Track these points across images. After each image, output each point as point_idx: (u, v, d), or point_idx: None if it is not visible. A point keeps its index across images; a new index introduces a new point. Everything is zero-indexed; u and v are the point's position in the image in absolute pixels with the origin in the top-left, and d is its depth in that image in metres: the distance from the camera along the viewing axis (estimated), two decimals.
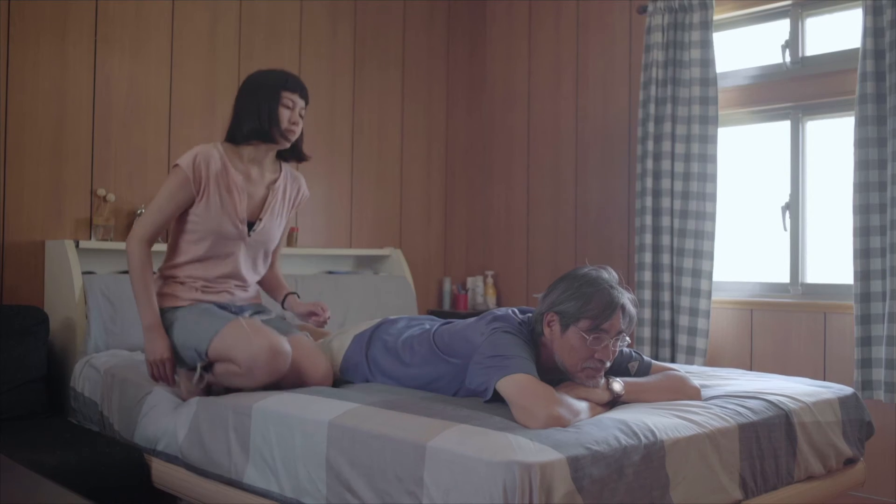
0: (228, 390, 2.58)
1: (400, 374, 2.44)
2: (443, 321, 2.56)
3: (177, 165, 2.62)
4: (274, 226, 2.77)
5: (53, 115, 3.47)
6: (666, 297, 3.98)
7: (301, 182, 2.89)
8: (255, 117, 2.64)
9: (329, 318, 2.74)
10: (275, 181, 2.77)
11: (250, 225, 2.70)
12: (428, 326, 2.51)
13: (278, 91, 2.65)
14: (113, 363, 3.05)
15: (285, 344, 2.46)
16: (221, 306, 2.67)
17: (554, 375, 2.20)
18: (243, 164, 2.70)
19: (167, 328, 2.61)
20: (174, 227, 2.71)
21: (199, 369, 2.54)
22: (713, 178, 3.88)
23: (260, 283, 2.88)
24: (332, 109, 4.38)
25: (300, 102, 2.69)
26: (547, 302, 2.23)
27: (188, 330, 2.56)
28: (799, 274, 3.81)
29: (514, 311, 2.33)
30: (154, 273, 2.71)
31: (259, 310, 2.78)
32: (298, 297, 2.86)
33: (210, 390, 2.64)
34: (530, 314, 2.32)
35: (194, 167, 2.59)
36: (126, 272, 3.53)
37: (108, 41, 3.61)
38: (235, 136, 2.70)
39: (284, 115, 2.65)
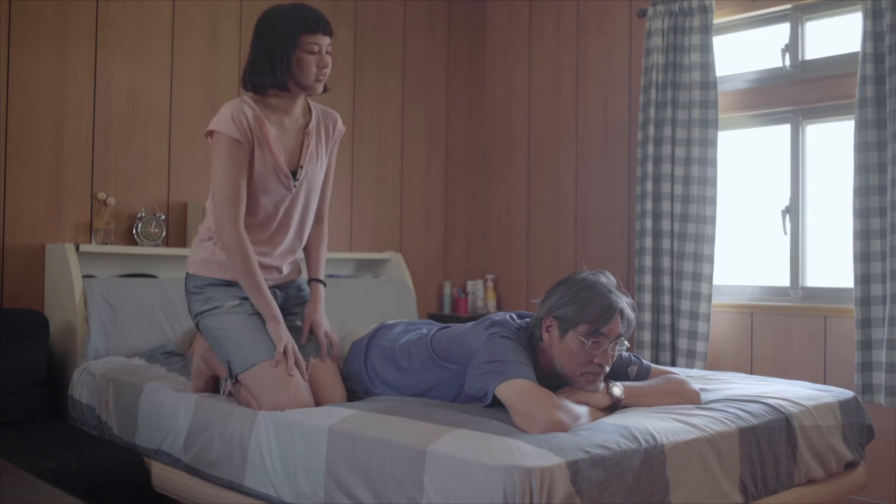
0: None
1: (399, 383, 2.43)
2: (440, 326, 2.56)
3: (215, 132, 2.41)
4: (316, 169, 2.60)
5: (54, 119, 3.47)
6: (666, 300, 3.98)
7: (335, 117, 2.68)
8: (269, 70, 2.41)
9: (331, 355, 2.57)
10: (307, 124, 2.58)
11: (293, 175, 2.52)
12: (426, 331, 2.50)
13: (297, 36, 2.40)
14: (108, 368, 3.05)
15: (310, 397, 2.38)
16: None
17: (553, 381, 2.19)
18: (274, 114, 2.50)
19: (208, 312, 2.49)
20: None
21: (226, 382, 2.51)
22: (713, 182, 3.88)
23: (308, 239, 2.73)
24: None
25: (325, 41, 2.44)
26: (545, 307, 2.23)
27: (230, 339, 2.45)
28: (799, 277, 3.81)
29: (511, 316, 2.33)
30: (202, 241, 2.56)
31: (301, 297, 2.70)
32: (324, 286, 2.69)
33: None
34: (528, 319, 2.32)
35: (236, 124, 2.38)
36: (127, 276, 3.55)
37: (109, 45, 3.62)
38: (254, 87, 2.48)
39: (310, 61, 2.41)
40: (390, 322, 2.66)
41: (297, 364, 2.41)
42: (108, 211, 3.54)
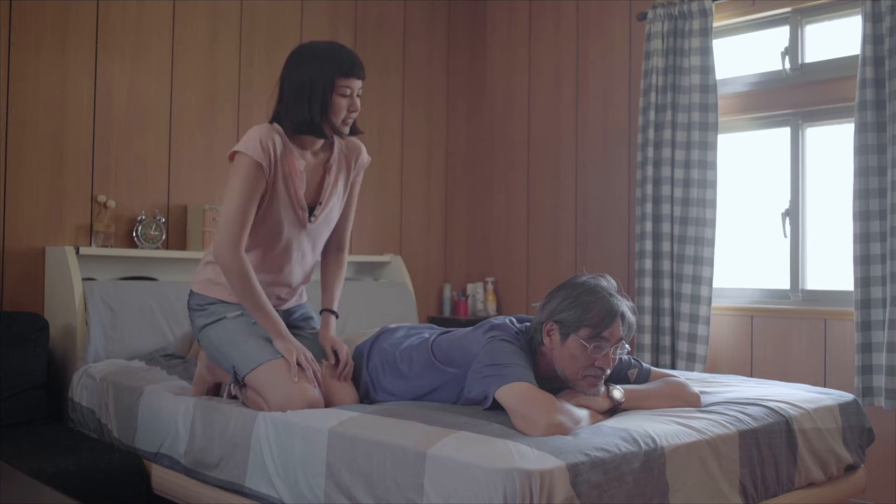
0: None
1: (400, 390, 2.41)
2: (442, 330, 2.56)
3: (240, 153, 2.38)
4: (335, 207, 2.59)
5: (54, 122, 3.47)
6: (666, 303, 3.98)
7: (359, 149, 2.64)
8: (307, 111, 2.38)
9: (345, 373, 2.50)
10: (328, 158, 2.55)
11: (310, 210, 2.52)
12: (427, 335, 2.50)
13: (332, 79, 2.37)
14: (108, 370, 3.05)
15: (320, 396, 2.36)
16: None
17: (553, 385, 2.19)
18: (298, 148, 2.48)
19: (211, 324, 2.48)
20: None
21: (229, 387, 2.50)
22: (713, 185, 3.88)
23: (322, 269, 2.72)
24: None
25: (358, 84, 2.42)
26: (546, 311, 2.22)
27: (234, 344, 2.44)
28: (799, 280, 3.81)
29: (511, 320, 2.32)
30: (207, 263, 2.55)
31: (303, 315, 2.69)
32: (336, 317, 2.65)
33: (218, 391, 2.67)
34: (528, 323, 2.32)
35: (264, 151, 2.36)
36: (127, 278, 3.55)
37: (109, 47, 3.62)
38: (283, 124, 2.45)
39: (341, 105, 2.40)
40: (393, 326, 2.65)
41: (311, 365, 2.39)
42: (108, 214, 3.54)
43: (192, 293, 2.60)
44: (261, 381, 2.37)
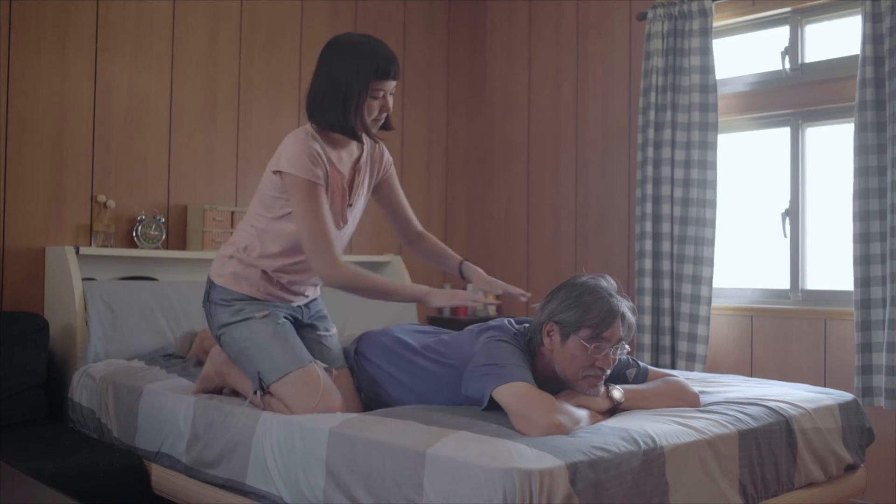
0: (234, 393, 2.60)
1: (398, 400, 2.42)
2: (437, 330, 2.55)
3: (290, 175, 2.33)
4: (360, 208, 2.58)
5: (54, 122, 3.47)
6: (666, 303, 3.98)
7: (381, 149, 2.61)
8: (341, 114, 2.35)
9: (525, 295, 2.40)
10: (359, 158, 2.52)
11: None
12: (422, 338, 2.47)
13: (367, 82, 2.33)
14: (108, 370, 3.05)
15: (341, 404, 2.35)
16: (293, 317, 2.56)
17: (552, 386, 2.19)
18: (334, 150, 2.44)
19: (236, 323, 2.44)
20: (265, 211, 2.46)
21: (254, 393, 2.44)
22: (713, 185, 3.88)
23: (424, 253, 2.72)
24: None
25: (391, 85, 2.38)
26: (546, 312, 2.22)
27: (260, 349, 2.40)
28: (799, 280, 3.81)
29: (510, 322, 2.33)
30: (231, 257, 2.50)
31: (318, 312, 2.68)
32: (470, 263, 2.64)
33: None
34: (527, 325, 2.32)
35: (316, 166, 2.34)
36: (127, 279, 3.55)
37: (109, 48, 3.62)
38: (317, 120, 2.41)
39: (373, 106, 2.37)
40: (366, 341, 2.57)
41: (466, 297, 2.35)
42: (107, 214, 3.54)
43: (213, 285, 2.53)
44: (287, 390, 2.34)
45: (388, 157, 2.66)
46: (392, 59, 2.36)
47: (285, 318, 2.51)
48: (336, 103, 2.34)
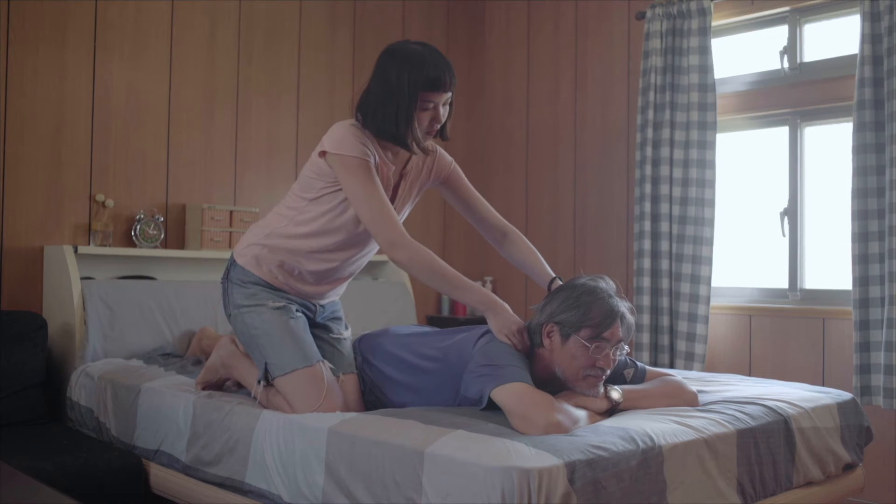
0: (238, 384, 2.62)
1: (399, 403, 2.42)
2: (433, 329, 2.55)
3: (343, 155, 2.28)
4: (405, 211, 2.53)
5: (52, 121, 3.47)
6: (665, 302, 3.98)
7: (435, 154, 2.53)
8: (393, 123, 2.29)
9: None
10: (406, 164, 2.47)
11: None
12: (419, 338, 2.47)
13: (416, 93, 2.27)
14: (107, 369, 3.05)
15: (342, 406, 2.35)
16: (308, 310, 2.53)
17: (550, 387, 2.19)
18: (383, 150, 2.39)
19: (249, 308, 2.41)
20: (301, 192, 2.41)
21: (258, 383, 2.42)
22: (712, 184, 3.88)
23: (512, 258, 2.64)
24: (331, 114, 4.39)
25: (444, 97, 2.31)
26: (545, 313, 2.23)
27: (270, 339, 2.39)
28: (798, 279, 3.82)
29: None
30: (255, 243, 2.45)
31: (333, 312, 2.64)
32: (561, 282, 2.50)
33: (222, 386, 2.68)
34: (526, 326, 2.32)
35: (367, 148, 2.30)
36: (125, 278, 3.55)
37: (108, 47, 3.62)
38: (369, 126, 2.35)
39: (423, 119, 2.31)
40: (368, 343, 2.56)
41: (524, 340, 2.26)
42: (106, 213, 3.54)
43: (234, 264, 2.50)
44: (291, 387, 2.33)
45: (445, 159, 2.58)
46: (443, 69, 2.29)
47: (298, 311, 2.49)
48: (388, 112, 2.29)
